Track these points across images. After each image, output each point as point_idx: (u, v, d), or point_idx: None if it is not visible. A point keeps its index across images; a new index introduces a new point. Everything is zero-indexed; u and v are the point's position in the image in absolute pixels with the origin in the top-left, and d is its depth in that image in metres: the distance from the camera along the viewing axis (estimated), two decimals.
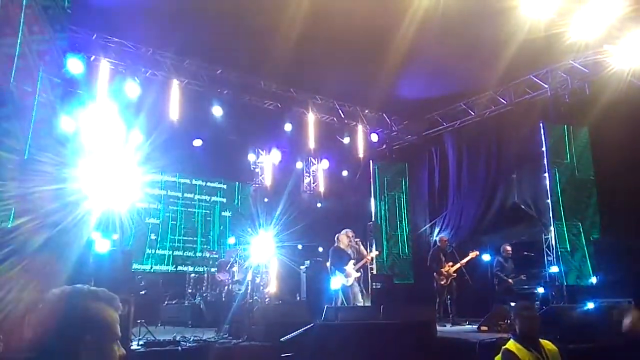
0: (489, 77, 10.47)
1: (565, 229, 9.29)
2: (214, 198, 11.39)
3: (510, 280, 9.39)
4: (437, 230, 12.08)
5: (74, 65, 8.47)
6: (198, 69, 10.07)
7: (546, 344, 3.61)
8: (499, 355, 3.52)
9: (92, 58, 9.09)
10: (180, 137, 10.24)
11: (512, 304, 7.16)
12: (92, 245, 7.38)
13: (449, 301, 9.53)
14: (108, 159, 9.53)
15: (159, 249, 10.30)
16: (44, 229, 5.43)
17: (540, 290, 9.30)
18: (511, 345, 3.52)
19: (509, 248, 9.62)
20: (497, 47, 8.81)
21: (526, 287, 9.38)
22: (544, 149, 9.68)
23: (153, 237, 10.14)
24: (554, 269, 9.26)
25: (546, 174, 9.60)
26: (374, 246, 10.79)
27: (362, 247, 8.58)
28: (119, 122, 9.21)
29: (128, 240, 9.36)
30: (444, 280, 9.53)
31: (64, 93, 7.64)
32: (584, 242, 9.23)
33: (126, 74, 9.32)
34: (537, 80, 10.52)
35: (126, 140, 9.68)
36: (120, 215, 8.83)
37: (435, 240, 10.90)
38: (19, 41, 5.75)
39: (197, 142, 10.65)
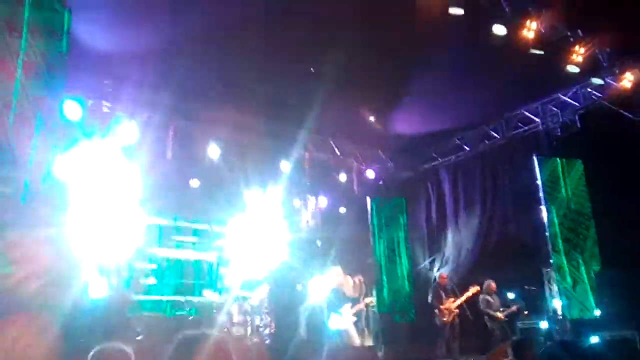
0: (482, 111, 10.66)
1: (565, 261, 9.25)
2: (212, 242, 11.25)
3: (500, 315, 9.30)
4: (437, 265, 11.99)
5: (72, 109, 8.54)
6: (195, 109, 10.17)
7: None
8: None
9: (89, 102, 9.19)
10: (176, 179, 10.24)
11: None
12: (86, 289, 7.27)
13: (451, 338, 9.36)
14: (105, 203, 9.50)
15: (156, 293, 10.12)
16: (39, 274, 5.37)
17: (544, 324, 9.18)
18: None
19: (493, 284, 9.58)
20: (489, 82, 8.99)
21: (528, 322, 9.27)
22: (539, 182, 9.73)
23: (151, 281, 9.97)
24: (556, 302, 9.17)
25: (542, 207, 9.62)
26: (373, 294, 10.62)
27: (363, 287, 8.44)
28: (116, 165, 9.23)
29: (125, 284, 9.20)
30: (446, 317, 9.39)
31: (61, 137, 7.68)
32: (585, 275, 9.17)
33: (124, 117, 9.40)
34: (528, 114, 10.69)
35: (123, 183, 9.68)
36: (118, 259, 8.75)
37: (435, 277, 10.81)
38: (16, 87, 5.83)
39: (194, 183, 10.63)
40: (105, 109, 9.37)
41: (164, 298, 10.18)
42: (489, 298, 9.54)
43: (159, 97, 9.57)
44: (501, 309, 9.44)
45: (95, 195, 8.84)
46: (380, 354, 6.75)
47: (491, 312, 9.39)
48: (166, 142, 9.82)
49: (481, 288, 9.64)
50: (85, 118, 8.75)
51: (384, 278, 11.46)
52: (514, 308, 9.45)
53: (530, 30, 8.02)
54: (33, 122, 6.08)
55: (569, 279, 9.19)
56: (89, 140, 8.80)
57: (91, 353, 2.14)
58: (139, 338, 6.75)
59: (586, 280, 9.13)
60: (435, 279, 10.63)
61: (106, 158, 8.76)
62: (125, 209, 9.22)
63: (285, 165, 11.15)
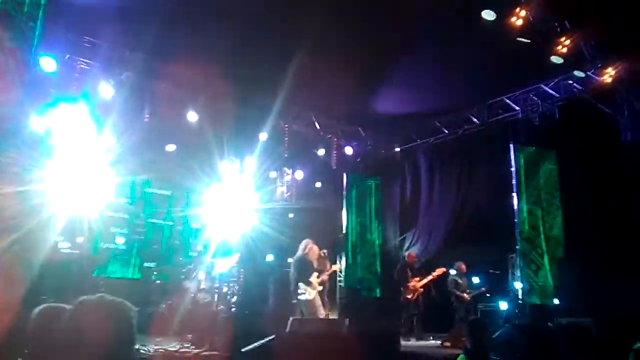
0: (464, 96, 10.70)
1: (529, 248, 9.47)
2: (186, 209, 11.21)
3: (466, 296, 9.56)
4: (407, 244, 12.20)
5: (47, 63, 8.34)
6: (174, 73, 9.99)
7: None
8: None
9: (66, 57, 8.97)
10: (152, 141, 10.14)
11: None
12: (56, 248, 7.24)
13: (414, 316, 9.61)
14: (78, 161, 9.38)
15: (125, 254, 10.11)
16: (8, 231, 5.33)
17: (504, 307, 9.48)
18: (462, 359, 3.62)
19: (463, 266, 9.82)
20: (473, 67, 9.01)
21: (489, 304, 9.55)
22: (513, 169, 9.87)
23: (120, 241, 9.96)
24: (518, 286, 9.44)
25: (514, 194, 9.78)
26: (343, 259, 10.80)
27: (326, 261, 8.59)
28: (90, 123, 9.09)
29: (93, 244, 9.17)
30: (411, 295, 9.61)
31: (36, 92, 7.52)
32: (547, 263, 9.42)
33: (100, 74, 9.21)
34: (509, 102, 10.77)
35: (97, 142, 9.54)
36: (87, 218, 8.70)
37: (404, 256, 11.02)
38: None
39: (170, 147, 10.54)
40: (82, 66, 9.15)
41: (134, 259, 10.21)
42: (457, 279, 9.77)
43: (138, 57, 9.39)
44: (468, 291, 9.69)
45: (68, 153, 8.74)
46: (344, 326, 6.89)
47: (458, 293, 9.62)
48: (144, 104, 9.66)
49: (446, 270, 9.86)
50: (61, 74, 8.56)
51: (354, 254, 11.62)
52: (480, 291, 9.72)
53: (519, 18, 8.02)
54: (7, 75, 5.93)
55: (532, 266, 9.42)
56: (65, 99, 8.65)
57: (35, 311, 2.17)
58: None
59: (548, 268, 9.38)
60: (403, 257, 10.83)
61: (81, 116, 8.62)
62: (97, 168, 9.14)
63: (264, 137, 11.11)
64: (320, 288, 8.24)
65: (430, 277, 9.73)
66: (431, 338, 9.32)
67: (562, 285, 9.09)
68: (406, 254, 10.86)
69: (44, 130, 8.34)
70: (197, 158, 10.64)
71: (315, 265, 8.26)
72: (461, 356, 3.70)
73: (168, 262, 10.24)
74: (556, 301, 9.12)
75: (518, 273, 9.47)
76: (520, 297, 9.33)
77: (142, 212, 10.65)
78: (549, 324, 8.06)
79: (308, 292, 8.00)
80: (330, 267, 8.71)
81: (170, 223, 11.03)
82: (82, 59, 9.12)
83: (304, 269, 8.08)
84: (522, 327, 8.26)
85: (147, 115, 9.61)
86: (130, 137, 9.29)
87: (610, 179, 8.79)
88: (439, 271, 9.79)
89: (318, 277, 8.17)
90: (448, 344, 8.07)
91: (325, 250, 8.81)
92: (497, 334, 7.44)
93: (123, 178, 9.87)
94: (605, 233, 8.44)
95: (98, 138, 9.20)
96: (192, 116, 10.25)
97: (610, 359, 5.18)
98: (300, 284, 8.03)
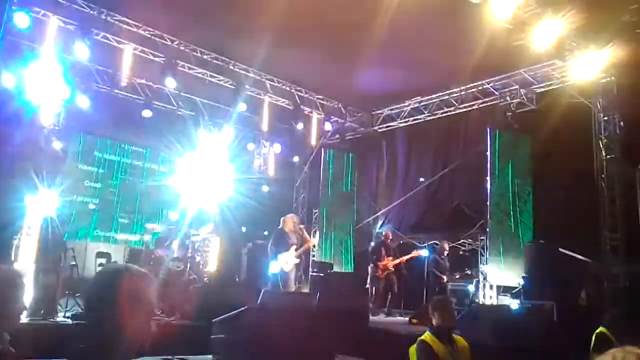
0: (445, 79, 10.73)
1: (499, 231, 9.67)
2: (160, 168, 11.02)
3: (444, 277, 9.74)
4: (380, 222, 12.33)
5: (21, 19, 8.00)
6: (154, 37, 9.72)
7: (459, 339, 3.82)
8: (414, 345, 3.70)
9: (40, 13, 8.61)
10: (129, 106, 9.91)
11: None
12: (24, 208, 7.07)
13: (387, 293, 9.76)
14: (49, 119, 9.14)
15: (97, 219, 9.95)
16: None
17: (472, 288, 9.71)
18: (427, 336, 3.71)
19: (446, 247, 9.96)
20: (455, 51, 9.01)
21: (458, 284, 9.76)
22: (488, 153, 9.99)
23: (92, 206, 9.78)
24: (486, 268, 9.66)
25: (488, 178, 9.93)
26: (317, 234, 10.86)
27: (305, 234, 8.59)
28: (64, 83, 8.81)
29: (63, 208, 8.99)
30: (379, 273, 9.75)
31: (7, 47, 7.25)
32: (515, 246, 9.64)
33: (76, 34, 8.89)
34: (489, 87, 10.85)
35: (71, 102, 9.28)
36: (57, 179, 8.52)
37: (380, 233, 11.12)
38: None
39: (147, 113, 10.32)
40: (54, 20, 8.79)
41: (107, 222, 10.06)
42: (438, 259, 9.92)
43: (116, 18, 9.08)
44: (447, 272, 9.86)
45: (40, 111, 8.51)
46: (315, 301, 6.96)
47: (438, 273, 9.76)
48: (121, 67, 9.38)
49: (420, 253, 10.02)
50: (35, 31, 8.23)
51: (329, 229, 11.70)
52: (457, 275, 9.89)
53: (504, 3, 7.99)
54: None
55: (500, 248, 9.63)
56: (36, 54, 8.36)
57: None
58: (73, 264, 6.70)
59: (516, 251, 9.61)
60: (380, 236, 10.94)
61: (54, 76, 8.36)
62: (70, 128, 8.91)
63: (244, 107, 10.97)
64: (298, 261, 8.27)
65: (404, 258, 9.86)
66: (400, 315, 9.50)
67: (528, 268, 9.33)
68: (383, 232, 10.96)
69: (15, 86, 8.09)
70: (174, 126, 10.46)
71: (293, 238, 8.27)
72: (426, 333, 3.78)
73: (141, 228, 10.12)
74: (521, 282, 9.38)
75: (487, 255, 9.69)
76: (487, 278, 9.57)
77: (116, 173, 10.46)
78: (512, 304, 8.32)
79: (286, 264, 8.02)
80: (309, 240, 8.73)
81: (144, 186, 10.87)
82: (57, 17, 8.76)
83: (282, 242, 8.08)
84: (487, 307, 8.54)
85: (124, 79, 9.36)
86: (106, 100, 9.07)
87: (581, 168, 9.00)
88: (413, 254, 9.94)
89: (296, 249, 8.19)
90: (415, 321, 8.23)
91: (302, 226, 8.82)
92: (463, 312, 7.67)
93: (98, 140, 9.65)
94: (573, 220, 8.67)
95: (72, 98, 8.95)
96: (170, 82, 10.03)
97: (570, 341, 5.39)
98: (279, 256, 8.03)
